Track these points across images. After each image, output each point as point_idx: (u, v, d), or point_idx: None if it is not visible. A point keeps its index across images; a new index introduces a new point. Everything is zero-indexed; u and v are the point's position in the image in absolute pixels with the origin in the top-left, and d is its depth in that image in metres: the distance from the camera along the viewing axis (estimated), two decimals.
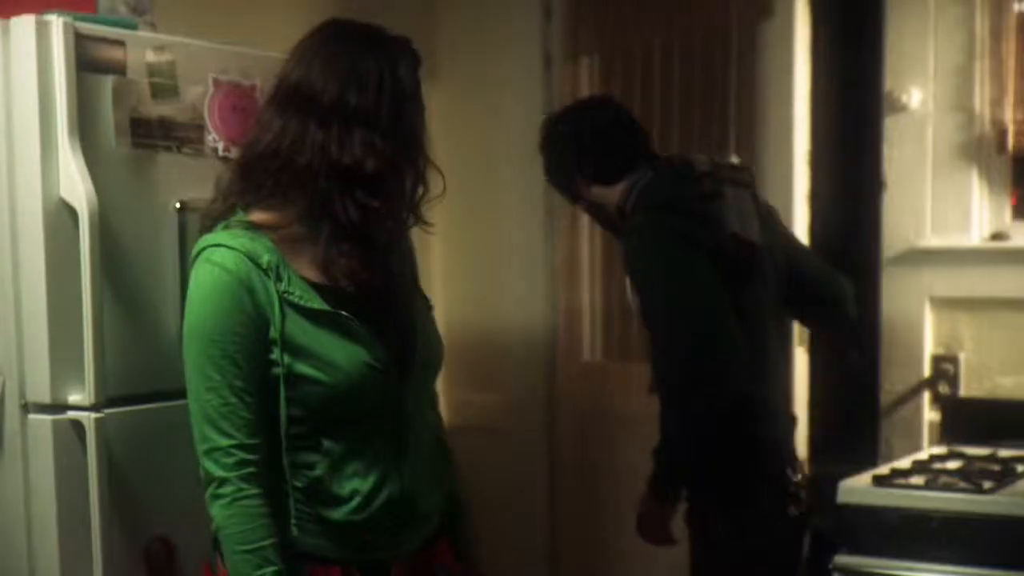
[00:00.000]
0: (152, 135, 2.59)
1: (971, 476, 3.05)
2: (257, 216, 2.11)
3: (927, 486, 2.99)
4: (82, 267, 2.43)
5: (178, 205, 2.63)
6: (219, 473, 2.07)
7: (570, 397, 4.51)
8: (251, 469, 2.08)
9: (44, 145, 2.43)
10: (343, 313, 2.11)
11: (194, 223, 2.59)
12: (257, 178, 2.11)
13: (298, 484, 2.14)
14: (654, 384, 2.94)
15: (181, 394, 2.58)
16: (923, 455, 3.42)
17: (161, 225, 2.61)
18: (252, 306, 2.06)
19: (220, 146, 2.70)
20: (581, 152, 3.10)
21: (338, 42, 2.15)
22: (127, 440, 2.53)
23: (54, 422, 2.47)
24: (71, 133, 2.44)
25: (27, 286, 2.47)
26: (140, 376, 2.57)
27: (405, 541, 2.23)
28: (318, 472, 2.13)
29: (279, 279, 2.08)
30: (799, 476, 3.05)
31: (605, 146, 3.09)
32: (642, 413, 4.25)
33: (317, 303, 2.10)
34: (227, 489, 2.07)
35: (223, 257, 2.06)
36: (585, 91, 4.35)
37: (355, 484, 2.15)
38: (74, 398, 2.47)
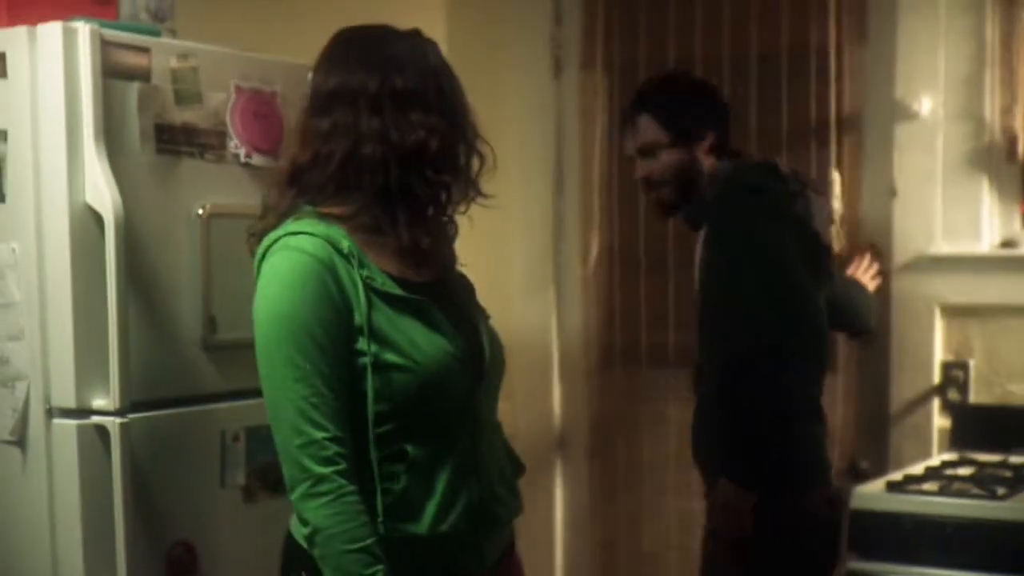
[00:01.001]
0: (175, 141, 2.60)
1: (984, 482, 3.07)
2: (325, 209, 2.09)
3: (941, 492, 3.02)
4: (107, 272, 2.44)
5: (201, 211, 2.64)
6: (317, 469, 1.97)
7: (577, 403, 4.53)
8: (346, 465, 1.99)
9: (70, 151, 2.44)
10: (426, 300, 2.09)
11: (216, 228, 2.64)
12: (315, 181, 2.10)
13: (385, 501, 2.05)
14: (717, 371, 2.99)
15: (202, 399, 2.65)
16: (935, 461, 3.44)
17: (184, 231, 2.62)
18: (337, 291, 2.01)
19: (242, 152, 2.72)
20: (717, 107, 3.17)
21: (361, 41, 2.18)
22: (150, 445, 2.54)
23: (79, 427, 2.48)
24: (97, 139, 2.45)
25: (52, 291, 2.48)
26: (162, 381, 2.59)
27: (488, 551, 2.19)
28: (403, 483, 2.06)
29: (361, 265, 2.05)
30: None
31: (727, 116, 3.19)
32: (650, 418, 4.32)
33: (399, 290, 2.07)
34: (326, 487, 1.97)
35: (303, 243, 2.02)
36: (598, 100, 4.37)
37: (438, 492, 2.08)
38: (98, 403, 2.48)
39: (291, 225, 2.06)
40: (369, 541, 1.99)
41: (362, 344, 2.02)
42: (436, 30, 4.48)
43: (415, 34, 2.21)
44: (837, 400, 4.00)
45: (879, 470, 3.90)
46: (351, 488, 1.99)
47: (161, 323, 2.59)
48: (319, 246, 2.02)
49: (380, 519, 2.04)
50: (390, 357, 2.03)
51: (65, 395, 2.49)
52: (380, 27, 2.21)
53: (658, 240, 4.27)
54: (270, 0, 3.58)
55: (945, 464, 3.37)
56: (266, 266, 2.05)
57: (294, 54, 2.94)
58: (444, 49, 4.25)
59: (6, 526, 2.57)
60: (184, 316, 2.63)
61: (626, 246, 4.36)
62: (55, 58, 2.44)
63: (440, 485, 2.08)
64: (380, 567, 1.99)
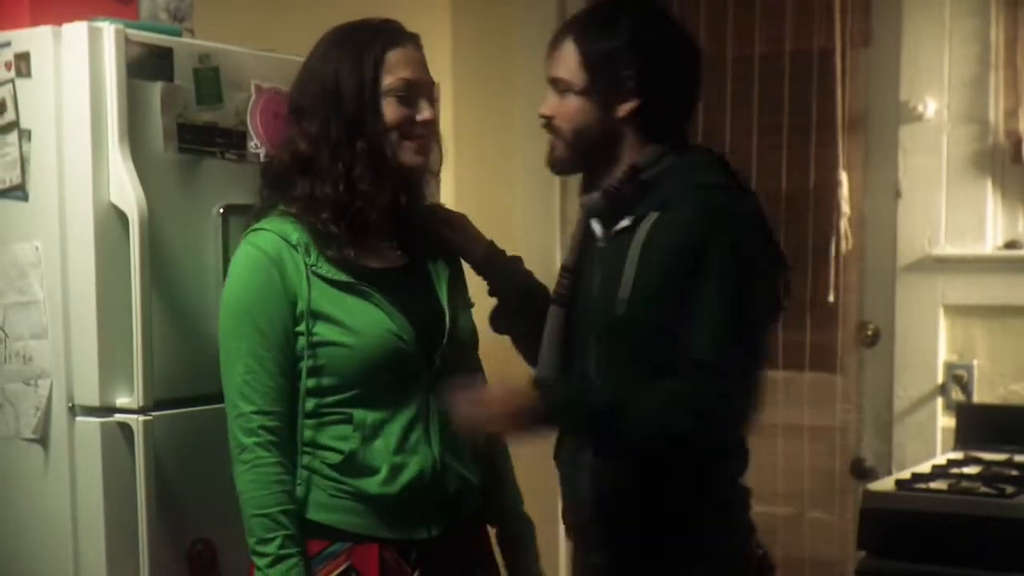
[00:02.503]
0: (197, 140, 2.61)
1: (992, 481, 3.10)
2: (288, 207, 2.36)
3: (950, 491, 3.05)
4: (132, 271, 2.45)
5: (221, 210, 2.65)
6: (242, 440, 2.27)
7: None
8: (270, 437, 2.27)
9: (95, 150, 2.46)
10: (362, 283, 2.31)
11: (237, 227, 2.64)
12: (280, 182, 2.39)
13: (334, 460, 2.30)
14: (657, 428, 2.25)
15: (221, 397, 2.64)
16: (941, 460, 3.48)
17: (205, 229, 2.64)
18: (281, 281, 2.27)
19: (262, 152, 2.72)
20: (671, 77, 2.31)
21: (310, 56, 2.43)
22: (172, 442, 2.56)
23: (102, 424, 2.49)
24: (121, 138, 2.46)
25: (76, 290, 2.49)
26: (184, 379, 2.59)
27: (435, 521, 2.36)
28: (352, 444, 2.29)
29: (307, 254, 2.29)
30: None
31: (683, 79, 2.34)
32: None
33: (344, 276, 2.30)
34: (247, 456, 2.27)
35: (258, 238, 2.31)
36: None
37: (386, 456, 2.30)
38: (122, 401, 2.49)
39: (256, 223, 2.35)
40: (273, 509, 2.25)
41: (303, 326, 2.27)
42: (442, 28, 4.54)
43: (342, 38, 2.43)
44: (840, 400, 4.04)
45: (883, 469, 3.95)
46: (271, 460, 2.27)
47: (182, 321, 2.60)
48: (270, 240, 2.30)
49: (333, 477, 2.30)
50: (328, 334, 2.28)
51: (88, 393, 2.50)
52: (326, 37, 2.46)
53: None
54: (299, 2, 3.59)
55: (951, 463, 3.41)
56: (233, 257, 2.36)
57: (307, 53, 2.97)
58: (450, 47, 4.28)
59: (29, 523, 2.58)
60: (204, 314, 2.63)
61: None
62: (80, 58, 2.45)
63: (388, 451, 2.30)
64: (283, 533, 2.25)
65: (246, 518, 2.28)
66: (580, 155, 2.34)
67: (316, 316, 2.28)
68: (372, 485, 2.30)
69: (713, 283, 2.16)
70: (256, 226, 2.33)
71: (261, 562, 2.26)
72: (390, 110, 2.32)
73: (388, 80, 2.32)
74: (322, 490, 2.32)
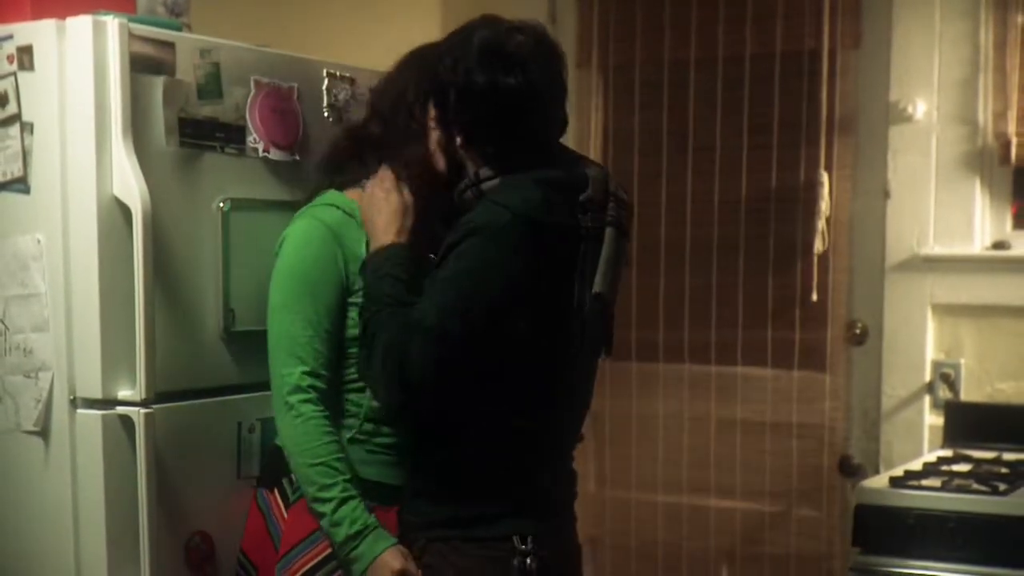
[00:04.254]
0: (198, 135, 2.62)
1: (983, 478, 3.14)
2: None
3: (943, 488, 3.08)
4: (135, 264, 2.46)
5: (221, 204, 2.66)
6: (290, 398, 2.40)
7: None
8: (319, 396, 2.42)
9: (99, 144, 2.46)
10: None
11: (235, 222, 2.66)
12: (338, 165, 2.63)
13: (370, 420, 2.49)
14: None
15: (221, 391, 2.67)
16: (931, 457, 3.51)
17: (205, 223, 2.64)
18: (340, 252, 2.45)
19: (261, 147, 2.73)
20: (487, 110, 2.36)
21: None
22: (172, 435, 2.56)
23: (104, 417, 2.49)
24: (125, 132, 2.46)
25: (78, 283, 2.50)
26: (184, 372, 2.60)
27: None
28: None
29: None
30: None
31: (503, 122, 2.37)
32: (640, 414, 4.37)
33: None
34: (297, 411, 2.40)
35: (318, 211, 2.50)
36: (593, 99, 4.42)
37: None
38: (124, 393, 2.49)
39: (314, 201, 2.55)
40: (330, 457, 2.39)
41: (355, 297, 2.44)
42: (431, 28, 4.53)
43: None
44: (828, 397, 4.07)
45: (870, 466, 3.98)
46: (321, 413, 2.41)
47: (184, 315, 2.60)
48: (330, 212, 2.49)
49: (368, 431, 2.49)
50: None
51: (90, 385, 2.50)
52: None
53: (651, 240, 4.32)
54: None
55: (941, 460, 3.44)
56: (289, 230, 2.51)
57: (302, 48, 2.98)
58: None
59: (29, 515, 2.58)
60: (205, 308, 2.64)
61: None
62: (85, 51, 2.45)
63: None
64: (340, 478, 2.38)
65: (301, 471, 2.40)
66: (450, 176, 2.46)
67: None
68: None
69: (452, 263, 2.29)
70: (317, 202, 2.52)
71: (326, 508, 2.37)
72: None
73: None
74: (360, 447, 2.48)
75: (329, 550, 2.44)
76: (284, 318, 2.43)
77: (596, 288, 2.35)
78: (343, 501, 2.37)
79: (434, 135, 2.44)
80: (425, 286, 2.30)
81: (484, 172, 2.37)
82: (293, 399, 2.41)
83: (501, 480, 2.39)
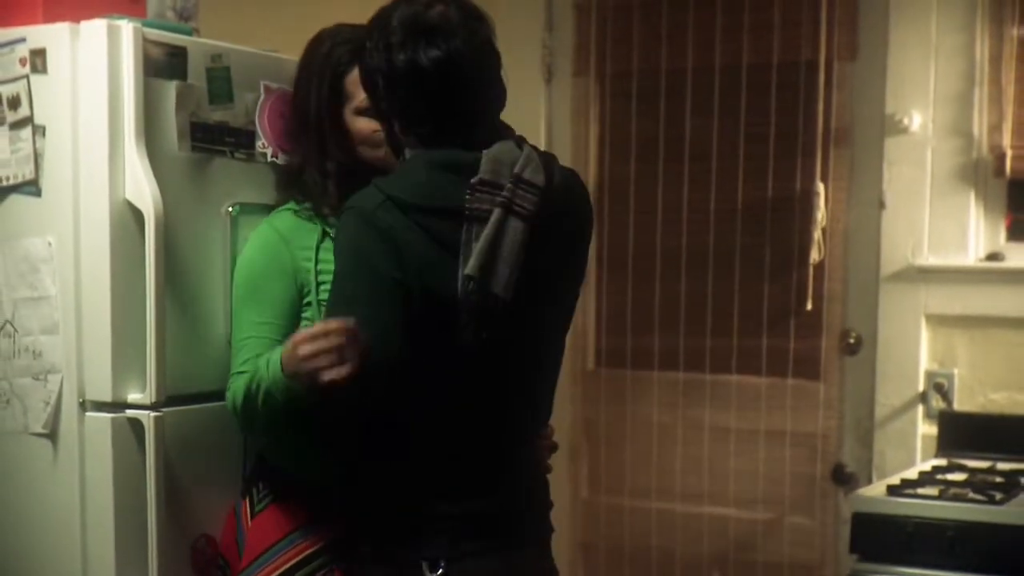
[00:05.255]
0: (209, 140, 2.63)
1: (980, 487, 3.17)
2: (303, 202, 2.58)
3: (940, 496, 3.11)
4: (147, 268, 2.47)
5: (231, 208, 2.67)
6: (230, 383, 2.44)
7: (562, 405, 4.58)
8: None
9: (112, 147, 2.47)
10: None
11: (246, 226, 2.66)
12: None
13: None
14: None
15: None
16: (926, 466, 3.54)
17: (215, 228, 2.65)
18: (289, 257, 2.47)
19: (269, 152, 2.74)
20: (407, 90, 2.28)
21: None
22: (179, 439, 2.56)
23: (113, 420, 2.50)
24: (138, 136, 2.47)
25: (89, 286, 2.50)
26: (192, 376, 2.61)
27: None
28: None
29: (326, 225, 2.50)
30: None
31: (420, 101, 2.28)
32: (634, 421, 4.39)
33: None
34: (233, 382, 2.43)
35: (274, 218, 2.54)
36: (590, 108, 4.44)
37: None
38: (133, 397, 2.50)
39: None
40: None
41: (310, 296, 2.47)
42: None
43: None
44: (822, 406, 4.10)
45: (863, 475, 4.02)
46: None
47: (193, 318, 2.61)
48: (284, 218, 2.55)
49: None
50: None
51: (100, 388, 2.51)
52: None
53: (646, 246, 4.35)
54: (290, 2, 3.61)
55: (936, 469, 3.47)
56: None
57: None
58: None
59: (37, 517, 2.58)
60: (213, 312, 2.65)
61: (614, 252, 4.42)
62: (99, 55, 2.46)
63: None
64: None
65: (265, 398, 2.32)
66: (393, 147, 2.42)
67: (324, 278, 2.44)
68: None
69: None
70: (277, 210, 2.57)
71: (252, 391, 2.35)
72: (356, 124, 2.54)
73: (355, 101, 2.52)
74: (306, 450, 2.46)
75: (293, 561, 2.45)
76: (235, 322, 2.50)
77: (468, 270, 2.17)
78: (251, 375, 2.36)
79: (368, 125, 2.50)
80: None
81: (407, 150, 2.33)
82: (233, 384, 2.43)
83: (414, 495, 2.28)
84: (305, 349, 2.16)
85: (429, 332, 2.20)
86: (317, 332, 2.16)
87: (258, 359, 2.35)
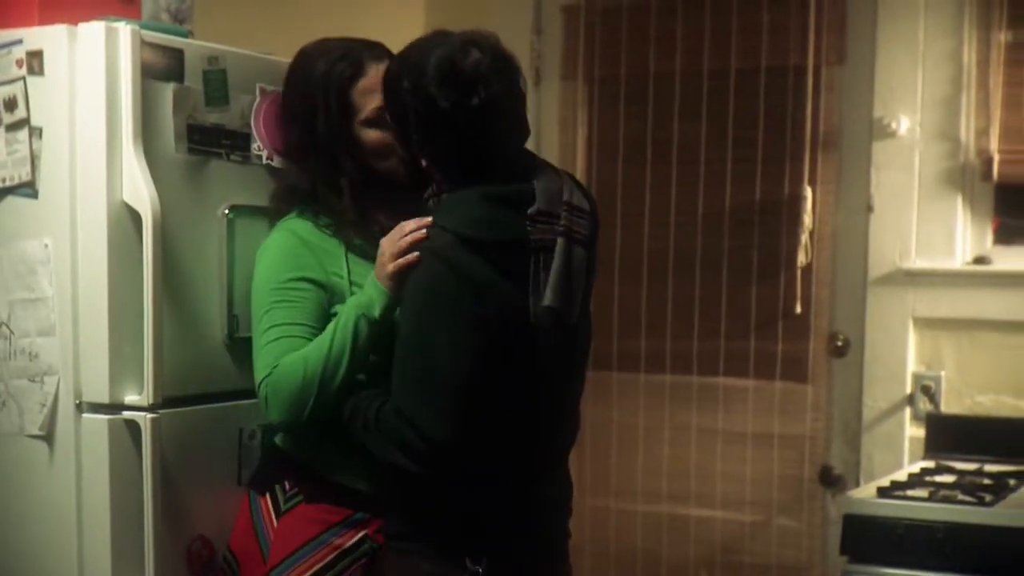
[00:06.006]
0: (205, 142, 2.63)
1: (969, 489, 3.19)
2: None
3: (931, 498, 3.13)
4: (144, 270, 2.47)
5: (227, 210, 2.67)
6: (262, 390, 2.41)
7: None
8: None
9: (110, 149, 2.47)
10: None
11: (241, 228, 2.67)
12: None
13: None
14: None
15: (224, 396, 2.68)
16: (915, 468, 3.56)
17: (211, 230, 2.65)
18: (315, 261, 2.45)
19: (264, 154, 2.75)
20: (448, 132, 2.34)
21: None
22: (175, 440, 2.57)
23: (110, 421, 2.50)
24: (136, 138, 2.48)
25: (86, 288, 2.51)
26: (189, 378, 2.61)
27: None
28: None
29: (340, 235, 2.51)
30: None
31: (459, 141, 2.35)
32: (620, 423, 4.40)
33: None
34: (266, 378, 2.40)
35: (290, 223, 2.50)
36: (578, 111, 4.45)
37: None
38: (130, 398, 2.51)
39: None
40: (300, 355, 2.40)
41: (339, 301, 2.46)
42: (416, 29, 4.56)
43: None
44: (810, 409, 4.12)
45: (851, 477, 4.04)
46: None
47: (190, 321, 2.62)
48: (302, 224, 2.52)
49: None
50: None
51: (97, 390, 2.51)
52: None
53: (634, 249, 4.36)
54: (278, 2, 3.62)
55: (925, 471, 3.49)
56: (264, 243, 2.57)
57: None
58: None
59: (33, 519, 2.58)
60: (210, 314, 2.66)
61: (602, 255, 4.41)
62: (97, 57, 2.46)
63: None
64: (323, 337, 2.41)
65: (314, 377, 2.35)
66: (420, 180, 2.46)
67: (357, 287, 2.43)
68: None
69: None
70: (288, 216, 2.51)
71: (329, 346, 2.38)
72: (365, 136, 2.51)
73: (362, 113, 2.51)
74: (337, 451, 2.45)
75: (324, 561, 2.46)
76: (262, 326, 2.44)
77: (546, 301, 2.29)
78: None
79: (377, 135, 2.51)
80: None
81: (445, 186, 2.38)
82: (263, 393, 2.42)
83: (465, 494, 2.35)
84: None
85: (496, 358, 2.28)
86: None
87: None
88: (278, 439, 2.57)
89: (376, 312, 2.34)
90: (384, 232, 2.38)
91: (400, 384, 2.28)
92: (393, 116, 2.41)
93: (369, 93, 2.49)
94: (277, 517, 2.52)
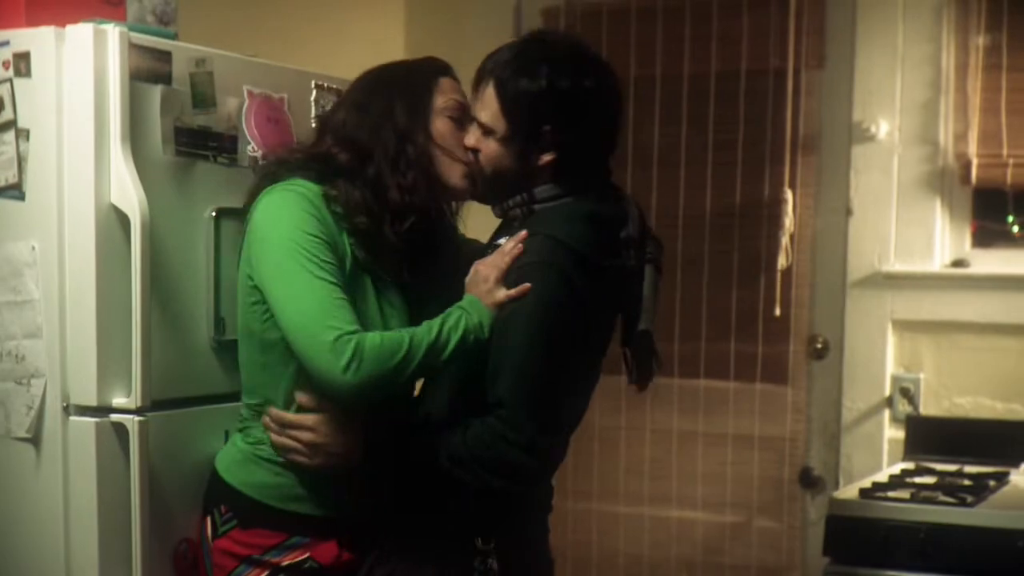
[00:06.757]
0: (192, 144, 2.63)
1: (950, 490, 3.21)
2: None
3: (912, 499, 3.16)
4: (133, 272, 2.46)
5: (214, 213, 2.67)
6: (340, 358, 2.17)
7: None
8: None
9: (98, 151, 2.46)
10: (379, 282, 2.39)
11: (228, 231, 2.67)
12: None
13: None
14: None
15: (210, 399, 2.67)
16: (895, 469, 3.59)
17: (198, 232, 2.65)
18: (331, 221, 2.31)
19: (260, 155, 2.74)
20: (590, 126, 2.34)
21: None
22: (162, 443, 2.56)
23: (98, 424, 2.49)
24: (124, 140, 2.47)
25: (74, 290, 2.49)
26: (177, 380, 2.60)
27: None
28: None
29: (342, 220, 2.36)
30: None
31: (600, 130, 2.37)
32: (607, 425, 4.41)
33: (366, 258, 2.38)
34: (357, 344, 2.19)
35: (295, 185, 2.35)
36: None
37: None
38: (118, 401, 2.50)
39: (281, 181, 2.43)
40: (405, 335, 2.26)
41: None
42: (395, 40, 4.58)
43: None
44: (789, 411, 4.14)
45: (830, 479, 4.07)
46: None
47: (178, 323, 2.61)
48: (310, 189, 2.37)
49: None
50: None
51: (85, 393, 2.50)
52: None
53: None
54: (260, 4, 3.62)
55: (905, 473, 3.52)
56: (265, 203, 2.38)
57: (282, 57, 2.99)
58: (403, 58, 4.32)
59: (19, 522, 2.57)
60: (197, 316, 2.65)
61: None
62: (85, 59, 2.45)
63: None
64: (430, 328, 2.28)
65: (428, 355, 2.24)
66: (496, 192, 2.40)
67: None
68: None
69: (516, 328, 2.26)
70: (287, 181, 2.35)
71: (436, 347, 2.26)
72: (441, 127, 2.39)
73: (441, 100, 2.40)
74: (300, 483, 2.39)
75: None
76: (297, 287, 2.24)
77: (643, 325, 2.34)
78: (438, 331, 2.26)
79: (452, 128, 2.39)
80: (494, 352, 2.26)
81: (541, 191, 2.34)
82: (341, 358, 2.18)
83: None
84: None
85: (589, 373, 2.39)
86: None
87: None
88: (219, 465, 2.50)
89: (485, 334, 2.26)
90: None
91: (510, 395, 2.22)
92: (512, 116, 2.30)
93: (449, 90, 2.42)
94: (213, 539, 2.48)
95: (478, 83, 2.37)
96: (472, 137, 2.38)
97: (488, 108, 2.34)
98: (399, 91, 2.40)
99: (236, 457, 2.47)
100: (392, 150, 2.35)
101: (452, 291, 2.37)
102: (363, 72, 2.53)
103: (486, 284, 2.29)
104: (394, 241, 2.36)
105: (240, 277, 2.42)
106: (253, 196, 2.41)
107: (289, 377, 2.37)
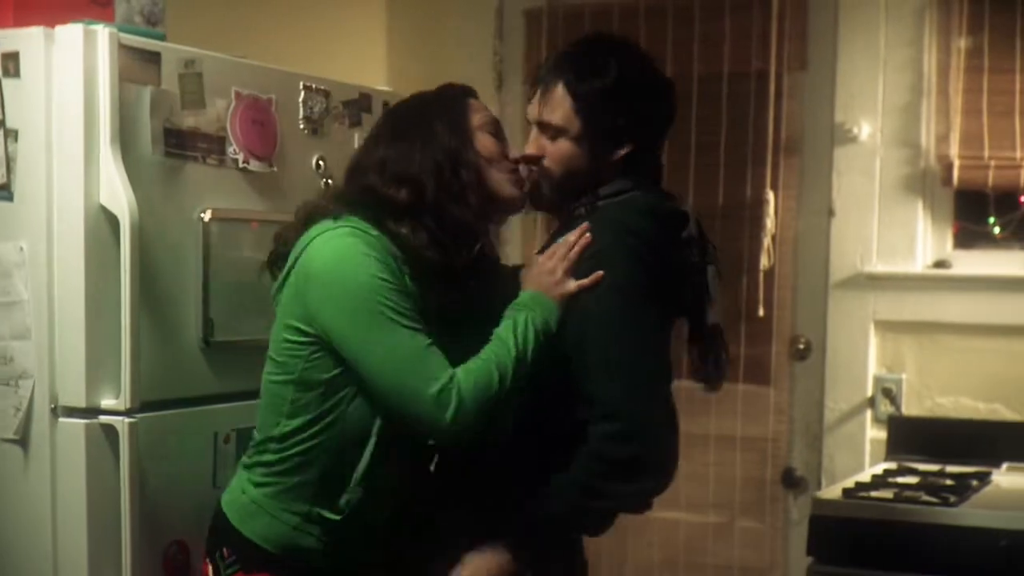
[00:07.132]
0: (182, 145, 2.63)
1: (932, 490, 3.23)
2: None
3: (895, 499, 3.17)
4: (122, 273, 2.47)
5: (202, 214, 2.67)
6: (448, 411, 2.12)
7: None
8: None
9: (87, 152, 2.46)
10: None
11: (215, 232, 2.67)
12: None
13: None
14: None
15: (199, 400, 2.68)
16: (877, 469, 3.61)
17: (187, 233, 2.65)
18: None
19: (240, 158, 2.75)
20: (656, 116, 2.36)
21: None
22: (152, 445, 2.56)
23: (87, 426, 2.49)
24: (113, 141, 2.47)
25: (63, 291, 2.50)
26: (166, 382, 2.61)
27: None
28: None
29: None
30: None
31: (667, 119, 2.40)
32: None
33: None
34: (457, 391, 2.13)
35: (359, 234, 2.20)
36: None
37: None
38: (107, 402, 2.50)
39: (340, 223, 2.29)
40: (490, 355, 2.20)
41: None
42: (377, 45, 4.58)
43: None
44: (772, 411, 4.16)
45: (812, 479, 4.09)
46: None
47: (167, 324, 2.61)
48: (374, 239, 2.24)
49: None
50: None
51: (74, 394, 2.50)
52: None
53: None
54: (247, 5, 3.62)
55: (888, 472, 3.54)
56: (320, 249, 2.23)
57: (265, 57, 2.99)
58: (385, 64, 4.34)
59: (8, 524, 2.57)
60: (186, 318, 2.66)
61: None
62: (75, 59, 2.46)
63: None
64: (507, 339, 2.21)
65: (518, 360, 2.17)
66: (565, 194, 2.36)
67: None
68: None
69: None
70: (344, 220, 2.22)
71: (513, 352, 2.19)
72: (485, 142, 2.31)
73: (476, 117, 2.33)
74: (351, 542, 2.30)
75: None
76: (386, 344, 2.15)
77: (713, 319, 2.33)
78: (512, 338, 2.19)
79: (494, 143, 2.34)
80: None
81: (606, 189, 2.31)
82: (448, 400, 2.12)
83: None
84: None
85: None
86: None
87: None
88: (226, 506, 2.32)
89: (553, 328, 2.21)
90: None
91: (604, 390, 2.18)
92: (585, 113, 2.28)
93: (480, 107, 2.37)
94: None
95: (542, 86, 2.35)
96: (534, 144, 2.34)
97: (559, 108, 2.30)
98: (436, 113, 2.32)
99: (244, 502, 2.29)
100: (447, 173, 2.26)
101: (488, 311, 2.31)
102: (386, 111, 2.48)
103: (552, 276, 2.24)
104: (460, 270, 2.27)
105: (281, 318, 2.24)
106: (295, 234, 2.26)
107: (339, 417, 2.24)
